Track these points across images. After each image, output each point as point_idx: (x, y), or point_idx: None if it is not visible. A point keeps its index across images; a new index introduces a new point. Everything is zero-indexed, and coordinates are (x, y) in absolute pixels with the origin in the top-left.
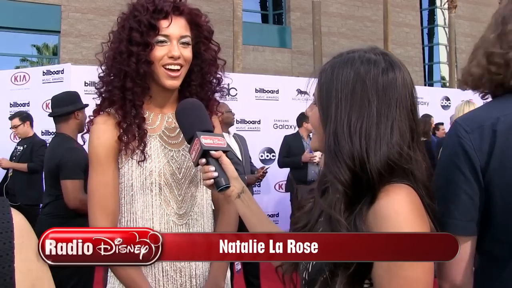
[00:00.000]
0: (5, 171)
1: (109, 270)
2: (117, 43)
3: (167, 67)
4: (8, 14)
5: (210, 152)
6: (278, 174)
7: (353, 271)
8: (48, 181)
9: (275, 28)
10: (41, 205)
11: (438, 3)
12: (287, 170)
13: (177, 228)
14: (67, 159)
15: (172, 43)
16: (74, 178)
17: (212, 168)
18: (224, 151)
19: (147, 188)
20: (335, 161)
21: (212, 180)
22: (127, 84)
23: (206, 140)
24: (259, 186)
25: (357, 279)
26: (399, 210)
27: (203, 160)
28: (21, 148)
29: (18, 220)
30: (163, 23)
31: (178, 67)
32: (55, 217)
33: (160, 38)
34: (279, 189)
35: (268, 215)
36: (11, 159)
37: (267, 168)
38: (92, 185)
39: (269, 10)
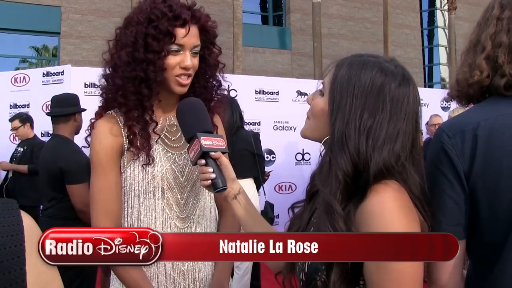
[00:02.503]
0: (5, 172)
1: (112, 272)
2: (131, 48)
3: (179, 77)
4: (8, 16)
5: (210, 153)
6: (278, 176)
7: (347, 269)
8: (48, 184)
9: (275, 30)
10: (41, 206)
11: (438, 4)
12: (287, 172)
13: (180, 232)
14: (70, 163)
15: (186, 53)
16: (79, 182)
17: (210, 169)
18: (223, 152)
19: (149, 192)
20: (341, 151)
21: (210, 181)
22: (143, 91)
23: (206, 142)
24: None
25: (352, 277)
26: (386, 204)
27: (202, 161)
28: (21, 149)
29: (28, 222)
30: (180, 32)
31: (187, 77)
32: (59, 218)
33: (175, 47)
34: (279, 190)
35: None
36: (11, 160)
37: (270, 172)
38: (94, 189)
39: (269, 12)
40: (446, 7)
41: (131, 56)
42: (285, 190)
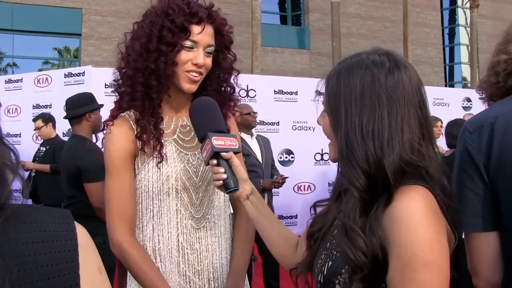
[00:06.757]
0: (28, 172)
1: (129, 273)
2: (145, 39)
3: (189, 73)
4: (31, 18)
5: (221, 153)
6: (297, 176)
7: (368, 273)
8: (68, 183)
9: (294, 30)
10: (62, 204)
11: (459, 2)
12: (306, 172)
13: (195, 232)
14: (86, 162)
15: (199, 50)
16: (96, 180)
17: (222, 169)
18: (236, 152)
19: (164, 193)
20: (349, 166)
21: (222, 182)
22: (152, 82)
23: (217, 141)
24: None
25: (373, 282)
26: (414, 212)
27: (214, 161)
28: (44, 149)
29: (81, 231)
30: (195, 29)
31: (198, 74)
32: (79, 216)
33: (189, 43)
34: (298, 190)
35: (287, 216)
36: (34, 159)
37: (285, 178)
38: (109, 191)
39: (288, 12)
40: (468, 5)
41: (144, 47)
42: (304, 190)
